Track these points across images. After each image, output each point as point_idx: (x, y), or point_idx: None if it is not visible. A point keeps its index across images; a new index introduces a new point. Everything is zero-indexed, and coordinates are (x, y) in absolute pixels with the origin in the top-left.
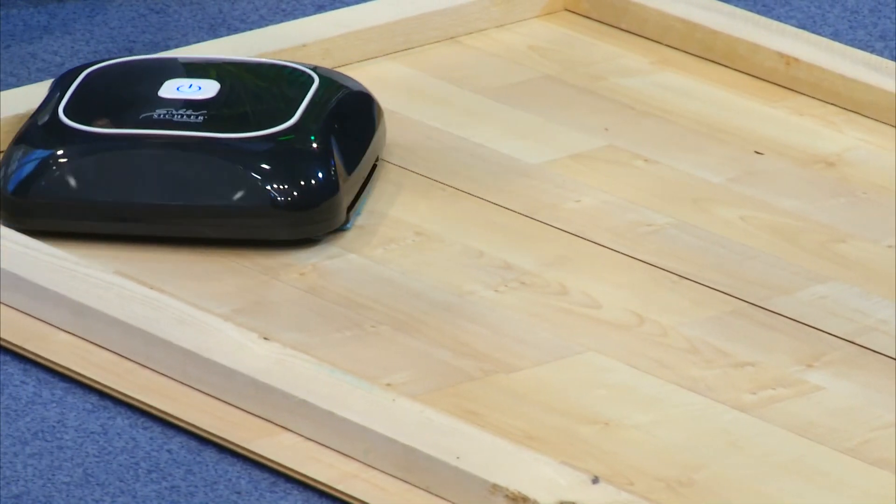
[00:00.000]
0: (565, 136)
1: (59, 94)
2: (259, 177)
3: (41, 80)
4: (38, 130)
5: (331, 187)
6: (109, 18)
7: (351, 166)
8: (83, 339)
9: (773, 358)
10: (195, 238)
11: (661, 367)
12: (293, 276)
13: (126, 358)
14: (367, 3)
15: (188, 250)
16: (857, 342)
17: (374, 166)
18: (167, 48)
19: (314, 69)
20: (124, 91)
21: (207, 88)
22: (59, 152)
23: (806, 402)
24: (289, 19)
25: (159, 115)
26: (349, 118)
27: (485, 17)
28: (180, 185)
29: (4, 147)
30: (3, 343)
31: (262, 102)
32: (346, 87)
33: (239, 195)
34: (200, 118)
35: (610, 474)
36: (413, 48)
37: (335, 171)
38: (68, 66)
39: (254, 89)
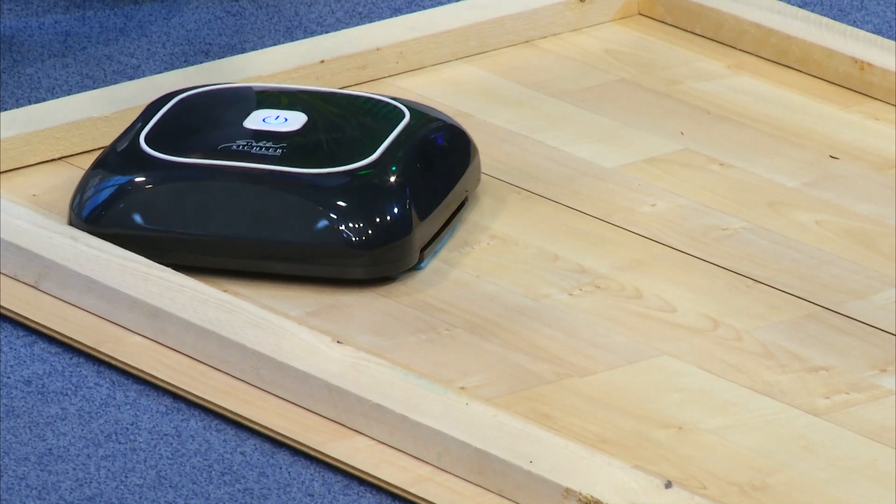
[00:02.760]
0: (641, 139)
1: (143, 120)
2: (329, 214)
3: (117, 83)
4: (115, 156)
5: (403, 228)
6: (185, 21)
7: (430, 206)
8: (157, 342)
9: (848, 362)
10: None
11: (736, 372)
12: (367, 279)
13: (199, 361)
14: (442, 7)
15: None
16: None
17: (463, 203)
18: (243, 51)
19: (408, 104)
20: (210, 119)
21: (294, 120)
22: (134, 180)
23: (879, 407)
24: (364, 22)
25: (238, 146)
26: (436, 156)
27: (559, 20)
28: (250, 218)
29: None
30: (78, 345)
31: (346, 137)
32: (438, 123)
33: (308, 232)
34: (279, 151)
35: (683, 478)
36: (487, 52)
37: (409, 211)
38: (144, 68)
39: (341, 123)
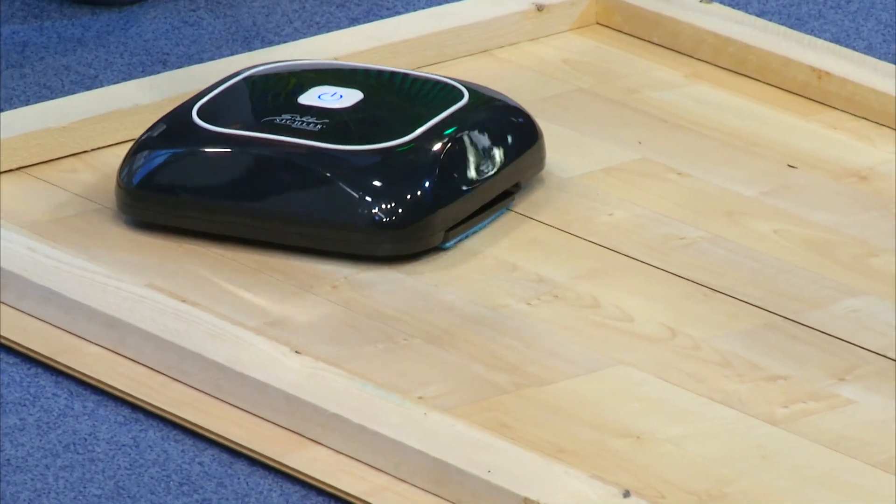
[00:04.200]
0: (598, 149)
1: (203, 94)
2: (352, 191)
3: (75, 93)
4: (165, 126)
5: (424, 208)
6: (143, 31)
7: (461, 187)
8: (115, 352)
9: (806, 372)
10: (270, 243)
11: (694, 381)
12: (326, 289)
13: (158, 371)
14: (399, 17)
15: (220, 262)
16: (890, 356)
17: (517, 186)
18: (201, 61)
19: (469, 86)
20: (266, 94)
21: (348, 97)
22: (177, 150)
23: (838, 416)
24: (322, 32)
25: (282, 120)
26: (482, 138)
27: (517, 30)
28: (279, 192)
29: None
30: (36, 355)
31: (392, 116)
32: (495, 104)
33: (332, 208)
34: (319, 127)
35: (641, 488)
36: (445, 61)
37: (433, 190)
38: (101, 78)
39: (395, 102)
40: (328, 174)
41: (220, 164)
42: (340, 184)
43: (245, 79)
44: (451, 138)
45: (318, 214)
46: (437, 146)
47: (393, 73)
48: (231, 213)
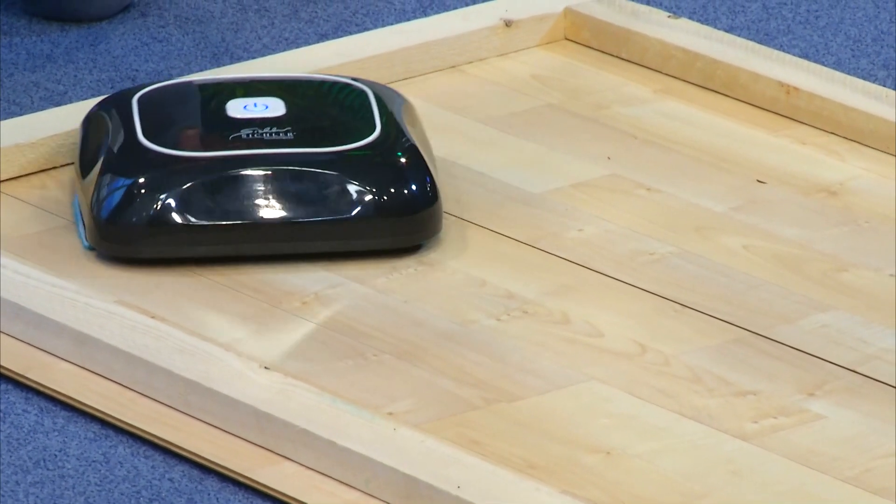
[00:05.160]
0: (568, 164)
1: (121, 119)
2: (370, 188)
3: (44, 109)
4: (121, 157)
5: (434, 193)
6: (112, 47)
7: (434, 170)
8: (85, 368)
9: (776, 387)
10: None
11: (664, 396)
12: (295, 304)
13: (127, 387)
14: (368, 33)
15: (189, 278)
16: (859, 371)
17: None
18: (170, 77)
19: (355, 80)
20: (192, 113)
21: (274, 106)
22: (156, 178)
23: (808, 431)
24: (291, 48)
25: (247, 134)
26: (413, 124)
27: (485, 45)
28: (294, 201)
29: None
30: (5, 372)
31: (338, 116)
32: (395, 94)
33: (351, 207)
34: (290, 135)
35: (612, 503)
36: (413, 77)
37: (433, 177)
38: (71, 94)
39: (320, 105)
40: (343, 175)
41: (224, 187)
42: (357, 182)
43: (144, 98)
44: (405, 125)
45: (339, 216)
46: (407, 134)
47: (289, 80)
48: (248, 232)
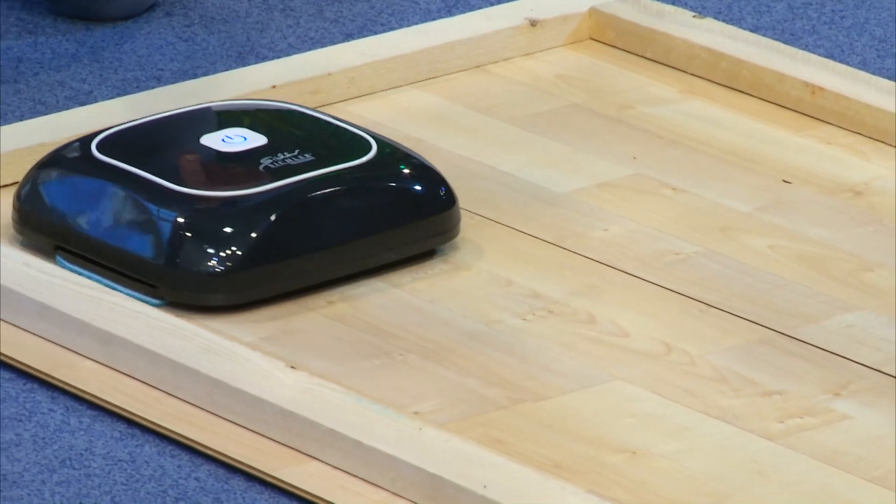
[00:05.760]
0: (593, 164)
1: (109, 174)
2: (419, 192)
3: (69, 108)
4: (175, 208)
5: (453, 196)
6: (137, 46)
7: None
8: (110, 367)
9: (801, 387)
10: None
11: (689, 396)
12: (321, 304)
13: (153, 387)
14: (392, 32)
15: None
16: (885, 371)
17: None
18: (195, 76)
19: (282, 103)
20: (178, 152)
21: (252, 138)
22: (233, 221)
23: (833, 431)
24: (317, 47)
25: (270, 164)
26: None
27: (510, 45)
28: (355, 219)
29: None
30: (31, 371)
31: (320, 135)
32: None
33: (412, 214)
34: (308, 156)
35: (637, 503)
36: (438, 77)
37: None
38: (96, 94)
39: (290, 129)
40: (398, 185)
41: (290, 219)
42: (408, 187)
43: (105, 142)
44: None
45: (404, 222)
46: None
47: (244, 109)
48: (315, 259)
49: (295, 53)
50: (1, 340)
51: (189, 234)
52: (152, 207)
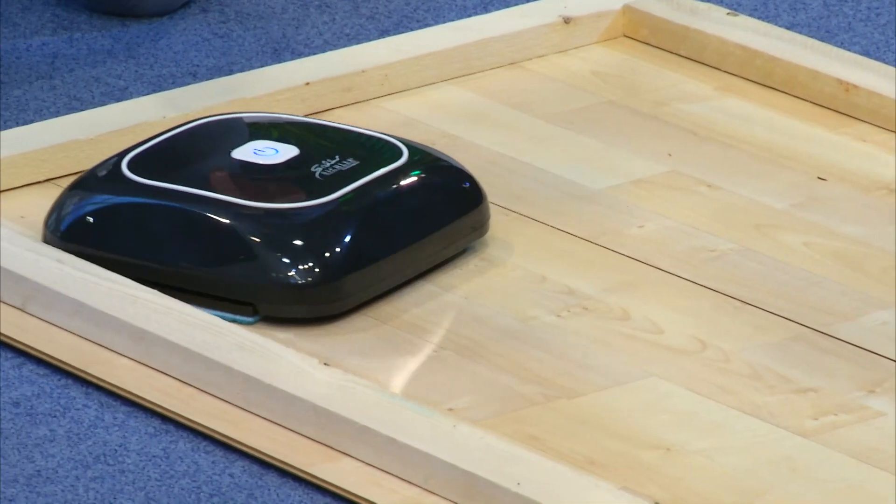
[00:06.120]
0: (628, 161)
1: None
2: (453, 192)
3: (105, 104)
4: (289, 221)
5: (483, 192)
6: (173, 42)
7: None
8: (144, 364)
9: (835, 384)
10: None
11: (724, 393)
12: None
13: (187, 383)
14: (427, 29)
15: None
16: None
17: None
18: (230, 73)
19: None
20: (218, 162)
21: (284, 149)
22: (334, 230)
23: (867, 428)
24: (352, 44)
25: (321, 173)
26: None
27: (544, 42)
28: (417, 220)
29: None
30: (66, 367)
31: (351, 144)
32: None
33: (455, 211)
34: (352, 161)
35: (671, 500)
36: (472, 74)
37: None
38: (132, 90)
39: (321, 139)
40: (433, 182)
41: (373, 225)
42: (458, 188)
43: (138, 162)
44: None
45: (448, 220)
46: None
47: (297, 122)
48: (386, 266)
49: (330, 50)
50: (36, 337)
51: (284, 247)
52: (231, 225)
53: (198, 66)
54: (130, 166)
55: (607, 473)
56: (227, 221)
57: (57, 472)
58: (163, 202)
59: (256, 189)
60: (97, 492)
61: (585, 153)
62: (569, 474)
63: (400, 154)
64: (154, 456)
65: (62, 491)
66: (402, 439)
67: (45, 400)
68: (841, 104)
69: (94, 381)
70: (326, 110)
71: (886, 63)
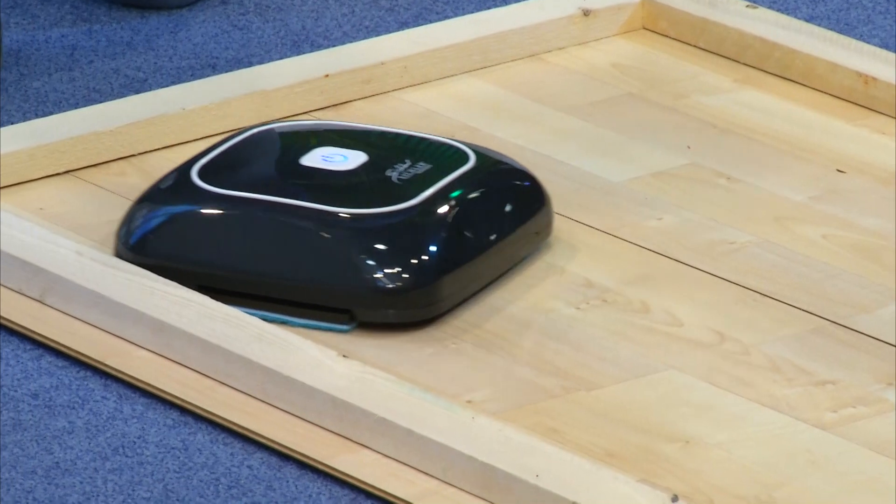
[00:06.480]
0: (647, 153)
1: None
2: (524, 194)
3: (124, 96)
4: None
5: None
6: (192, 34)
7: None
8: (163, 356)
9: (854, 376)
10: None
11: (742, 386)
12: None
13: (206, 375)
14: (446, 21)
15: None
16: None
17: None
18: (250, 65)
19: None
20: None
21: (352, 155)
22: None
23: (886, 421)
24: (371, 36)
25: (400, 175)
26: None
27: (563, 35)
28: (496, 221)
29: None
30: (85, 358)
31: (418, 147)
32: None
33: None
34: (424, 165)
35: (690, 492)
36: (492, 66)
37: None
38: (151, 82)
39: (386, 144)
40: (504, 184)
41: (463, 226)
42: (516, 185)
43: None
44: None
45: (518, 224)
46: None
47: (341, 130)
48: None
49: (349, 42)
50: (55, 329)
51: (382, 251)
52: (328, 232)
53: (217, 58)
54: (202, 176)
55: (626, 466)
56: (322, 229)
57: (76, 463)
58: (247, 211)
59: (340, 195)
60: (116, 483)
61: (605, 145)
62: (587, 467)
63: (466, 155)
64: (173, 448)
65: (80, 483)
66: (421, 431)
67: (63, 392)
68: (860, 97)
69: (113, 372)
70: (346, 102)
71: None
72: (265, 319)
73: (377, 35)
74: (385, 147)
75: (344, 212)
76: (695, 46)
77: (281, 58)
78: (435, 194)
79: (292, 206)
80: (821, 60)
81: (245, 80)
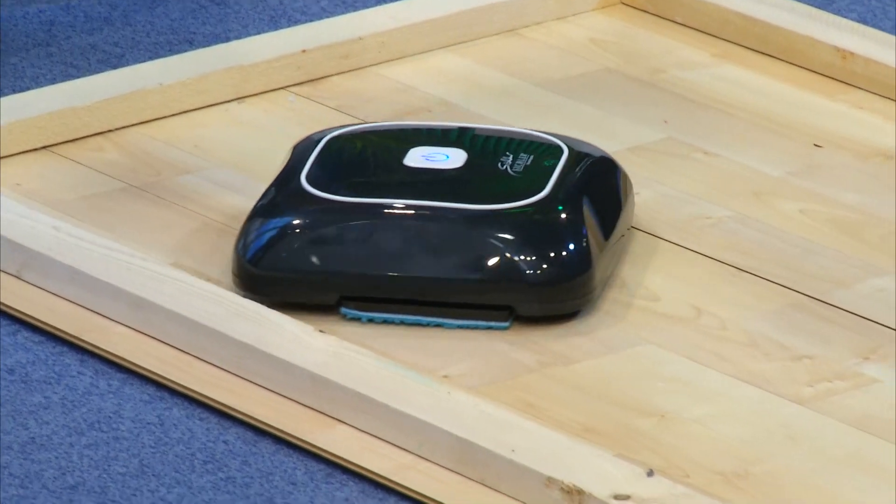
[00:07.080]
0: (625, 128)
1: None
2: (619, 181)
3: (101, 71)
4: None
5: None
6: (170, 10)
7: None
8: (140, 331)
9: (832, 351)
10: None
11: (720, 360)
12: None
13: (183, 351)
14: None
15: None
16: None
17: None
18: (227, 40)
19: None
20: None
21: (453, 153)
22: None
23: (863, 395)
24: (349, 11)
25: (512, 167)
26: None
27: (542, 9)
28: (616, 203)
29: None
30: (61, 334)
31: (510, 140)
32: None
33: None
34: (528, 157)
35: (666, 467)
36: (470, 41)
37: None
38: (128, 57)
39: (481, 139)
40: (602, 171)
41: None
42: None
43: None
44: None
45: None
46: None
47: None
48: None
49: (327, 17)
50: (32, 304)
51: (537, 245)
52: (477, 230)
53: (194, 33)
54: (315, 186)
55: (603, 441)
56: (473, 227)
57: (51, 438)
58: (389, 216)
59: (468, 192)
60: (91, 459)
61: (582, 120)
62: (564, 441)
63: (555, 143)
64: (149, 423)
65: (56, 458)
66: (397, 406)
67: (40, 367)
68: (838, 72)
69: (90, 348)
70: (323, 77)
71: (884, 31)
72: (418, 325)
73: (355, 10)
74: (472, 143)
75: (487, 208)
76: (673, 21)
77: (258, 33)
78: (557, 183)
79: (432, 207)
80: (799, 35)
81: (222, 55)
